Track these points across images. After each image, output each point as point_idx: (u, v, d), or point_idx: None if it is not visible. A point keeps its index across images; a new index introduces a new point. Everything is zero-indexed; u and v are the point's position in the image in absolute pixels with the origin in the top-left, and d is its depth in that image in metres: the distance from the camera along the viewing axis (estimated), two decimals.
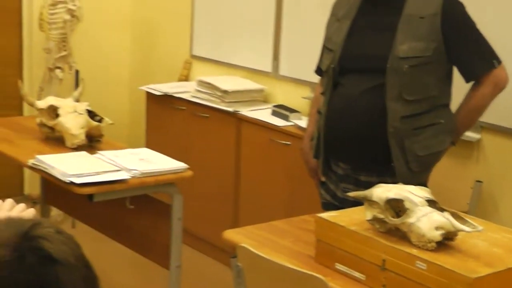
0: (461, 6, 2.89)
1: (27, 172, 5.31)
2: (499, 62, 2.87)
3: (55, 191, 4.11)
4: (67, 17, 4.88)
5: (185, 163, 3.33)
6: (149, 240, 3.51)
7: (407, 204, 2.19)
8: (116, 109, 5.61)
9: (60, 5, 4.88)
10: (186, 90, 4.75)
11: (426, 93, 2.86)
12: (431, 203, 2.21)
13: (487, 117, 3.43)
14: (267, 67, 4.61)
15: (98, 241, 4.03)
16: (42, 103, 3.65)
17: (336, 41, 2.99)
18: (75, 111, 3.57)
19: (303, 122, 4.06)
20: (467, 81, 2.91)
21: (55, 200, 4.24)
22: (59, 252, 1.06)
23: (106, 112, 5.31)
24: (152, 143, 4.82)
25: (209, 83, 4.54)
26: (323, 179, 3.11)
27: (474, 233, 2.32)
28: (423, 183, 2.93)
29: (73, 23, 4.93)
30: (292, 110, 4.21)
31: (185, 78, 5.18)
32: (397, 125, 2.83)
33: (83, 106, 3.62)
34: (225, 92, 4.41)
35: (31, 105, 3.73)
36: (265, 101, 4.57)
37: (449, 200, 3.35)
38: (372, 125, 2.87)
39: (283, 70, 4.51)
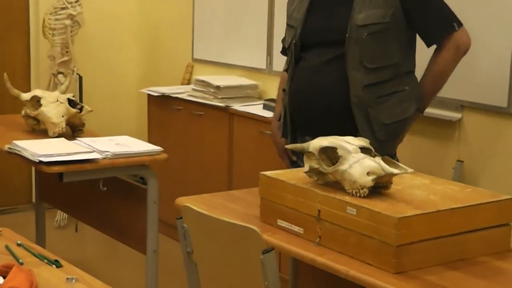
0: None
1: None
2: (460, 25, 2.80)
3: (48, 188, 4.14)
4: (68, 22, 4.96)
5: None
6: (125, 225, 3.49)
7: (340, 152, 2.14)
8: (123, 113, 5.68)
9: (61, 11, 4.97)
10: (184, 91, 4.77)
11: (388, 61, 2.80)
12: (366, 151, 2.16)
13: (467, 96, 3.38)
14: (262, 64, 4.60)
15: (101, 243, 4.06)
16: (27, 95, 3.69)
17: (296, 17, 2.97)
18: (57, 101, 3.60)
19: None
20: (428, 45, 2.85)
21: (49, 197, 4.24)
22: None
23: (114, 116, 5.38)
24: (153, 142, 4.83)
25: (203, 81, 4.55)
26: (294, 158, 3.06)
27: (415, 183, 2.27)
28: (391, 153, 2.87)
29: (74, 28, 5.01)
30: None
31: (187, 82, 5.20)
32: (360, 94, 2.78)
33: (65, 96, 3.65)
34: (218, 88, 4.41)
35: (17, 97, 3.78)
36: (260, 97, 4.55)
37: None
38: (335, 96, 2.83)
39: (277, 66, 4.50)
